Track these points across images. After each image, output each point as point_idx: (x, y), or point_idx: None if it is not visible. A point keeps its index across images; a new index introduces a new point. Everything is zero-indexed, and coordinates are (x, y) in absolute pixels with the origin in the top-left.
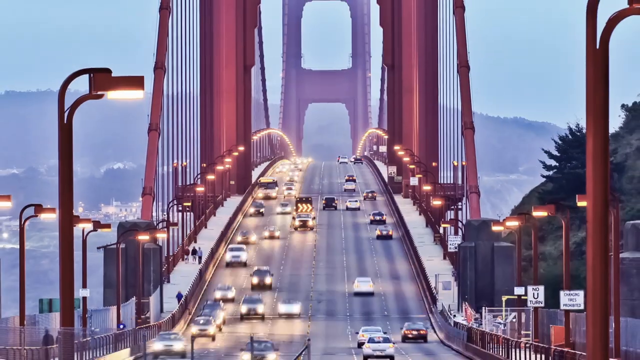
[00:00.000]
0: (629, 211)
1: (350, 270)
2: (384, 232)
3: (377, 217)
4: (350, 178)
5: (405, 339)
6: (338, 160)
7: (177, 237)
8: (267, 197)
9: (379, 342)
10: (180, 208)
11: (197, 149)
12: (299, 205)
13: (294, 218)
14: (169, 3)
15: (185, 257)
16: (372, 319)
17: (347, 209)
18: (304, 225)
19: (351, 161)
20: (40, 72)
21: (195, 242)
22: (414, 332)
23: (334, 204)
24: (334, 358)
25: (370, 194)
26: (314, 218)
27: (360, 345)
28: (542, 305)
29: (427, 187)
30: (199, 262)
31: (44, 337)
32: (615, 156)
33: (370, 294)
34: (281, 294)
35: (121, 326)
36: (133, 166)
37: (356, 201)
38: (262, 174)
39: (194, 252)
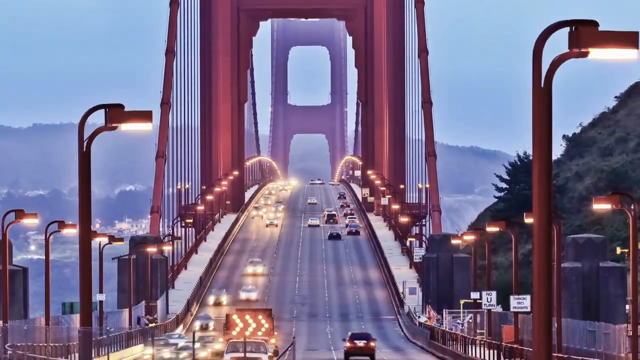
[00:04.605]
0: (570, 227)
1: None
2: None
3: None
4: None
5: None
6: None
7: (181, 250)
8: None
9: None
10: (183, 224)
11: (197, 173)
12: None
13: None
14: (174, 47)
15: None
16: (348, 320)
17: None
18: None
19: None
20: (63, 107)
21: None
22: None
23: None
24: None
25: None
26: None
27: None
28: (495, 307)
29: (395, 206)
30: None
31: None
32: (557, 179)
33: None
34: None
35: None
36: (143, 188)
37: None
38: (253, 196)
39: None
